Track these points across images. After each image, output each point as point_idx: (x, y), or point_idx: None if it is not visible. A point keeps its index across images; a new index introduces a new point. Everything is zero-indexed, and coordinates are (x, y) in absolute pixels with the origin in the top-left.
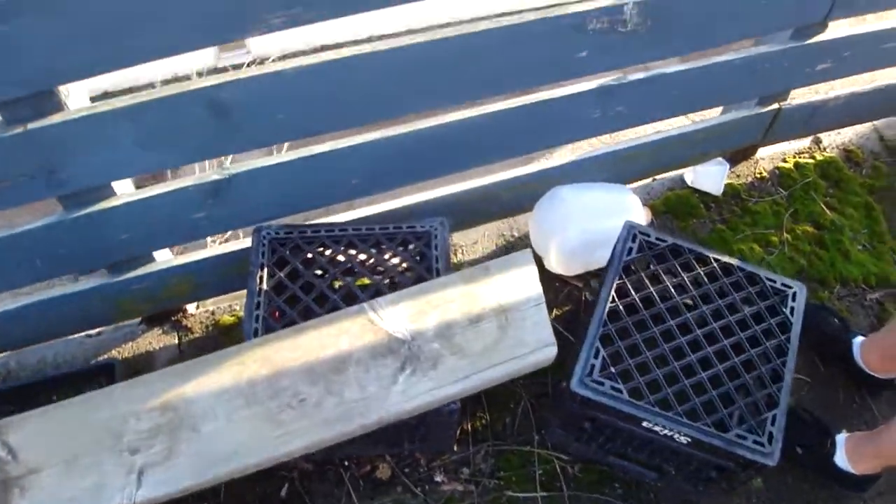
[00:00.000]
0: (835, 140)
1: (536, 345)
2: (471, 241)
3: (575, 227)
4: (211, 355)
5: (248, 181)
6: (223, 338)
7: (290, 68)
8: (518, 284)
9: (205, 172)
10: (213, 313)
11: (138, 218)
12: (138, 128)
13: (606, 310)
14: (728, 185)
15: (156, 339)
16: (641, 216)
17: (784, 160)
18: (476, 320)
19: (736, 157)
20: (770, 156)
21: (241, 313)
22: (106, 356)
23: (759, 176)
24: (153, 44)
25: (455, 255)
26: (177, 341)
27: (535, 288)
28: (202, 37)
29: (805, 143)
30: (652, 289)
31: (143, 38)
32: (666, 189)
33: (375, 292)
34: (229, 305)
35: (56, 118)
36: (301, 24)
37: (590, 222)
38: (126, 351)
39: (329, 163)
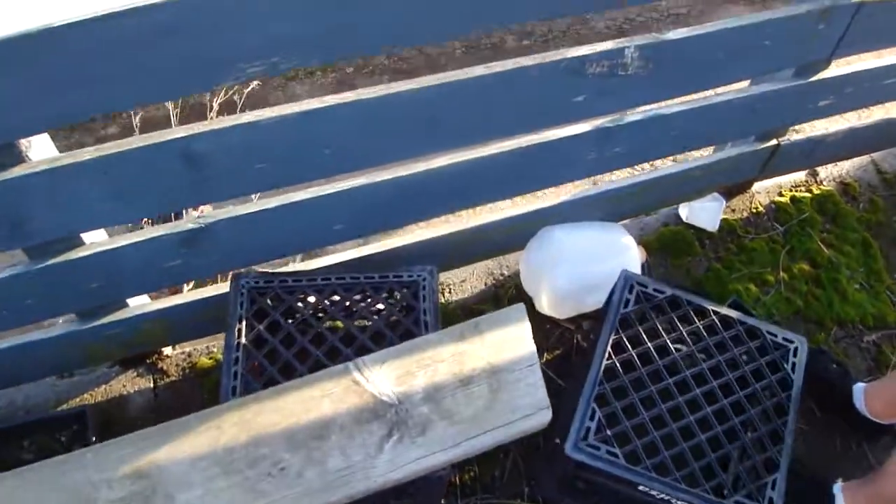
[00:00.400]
0: (832, 172)
1: (530, 409)
2: (459, 280)
3: (567, 270)
4: (186, 418)
5: (225, 229)
6: (200, 380)
7: (267, 118)
8: (510, 343)
9: (180, 220)
10: (189, 355)
11: (109, 267)
12: (107, 180)
13: (602, 367)
14: (723, 221)
15: (130, 382)
16: (636, 258)
17: (780, 194)
18: (466, 382)
19: (731, 191)
20: (766, 189)
21: (219, 356)
22: (78, 399)
23: (754, 210)
24: (122, 95)
25: (443, 294)
26: (152, 385)
27: (529, 346)
28: (173, 88)
29: (801, 175)
30: (650, 344)
31: (111, 90)
32: (660, 224)
33: (360, 347)
34: (206, 347)
35: (18, 171)
36: (279, 72)
37: (582, 265)
38: (99, 394)
39: (311, 209)
